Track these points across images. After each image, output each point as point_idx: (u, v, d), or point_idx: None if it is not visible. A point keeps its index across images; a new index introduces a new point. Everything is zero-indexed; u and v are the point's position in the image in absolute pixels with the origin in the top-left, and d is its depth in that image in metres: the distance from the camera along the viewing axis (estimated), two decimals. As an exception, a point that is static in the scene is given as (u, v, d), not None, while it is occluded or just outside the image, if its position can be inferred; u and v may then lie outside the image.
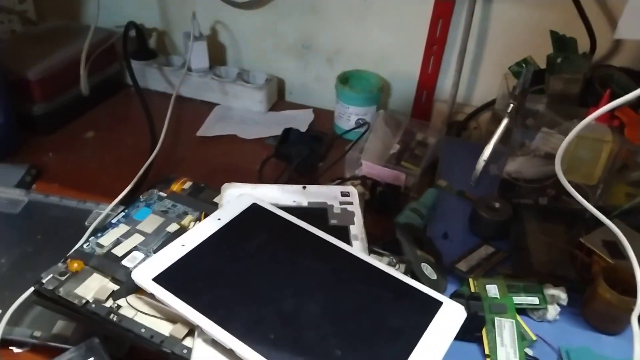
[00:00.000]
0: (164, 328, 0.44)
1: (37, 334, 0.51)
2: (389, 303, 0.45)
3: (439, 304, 0.45)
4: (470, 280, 0.59)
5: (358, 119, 0.85)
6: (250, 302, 0.44)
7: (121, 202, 0.65)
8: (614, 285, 0.55)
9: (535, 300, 0.57)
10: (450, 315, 0.44)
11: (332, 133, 0.88)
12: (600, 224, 0.55)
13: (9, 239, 0.60)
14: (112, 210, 0.63)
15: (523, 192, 0.72)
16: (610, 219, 0.66)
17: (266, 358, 0.39)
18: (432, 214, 0.70)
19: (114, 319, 0.45)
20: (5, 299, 0.52)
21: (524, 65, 0.75)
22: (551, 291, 0.58)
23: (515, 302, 0.56)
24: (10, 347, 0.51)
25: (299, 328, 0.42)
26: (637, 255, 0.56)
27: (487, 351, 0.52)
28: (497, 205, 0.67)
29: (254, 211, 0.54)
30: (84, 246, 0.51)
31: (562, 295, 0.58)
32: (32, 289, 0.48)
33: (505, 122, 0.69)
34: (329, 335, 0.42)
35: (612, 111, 0.65)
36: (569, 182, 0.68)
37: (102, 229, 0.54)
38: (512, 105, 0.68)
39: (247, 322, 0.42)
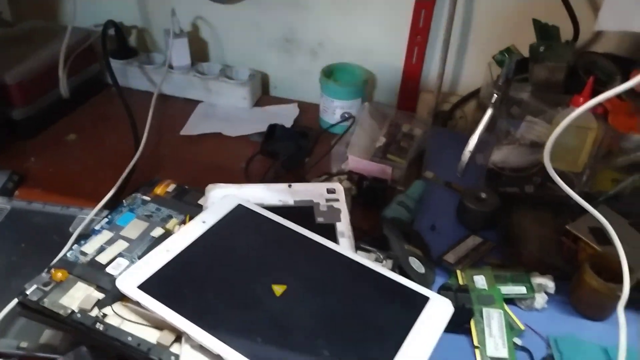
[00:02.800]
0: (151, 336, 0.44)
1: (24, 344, 0.50)
2: (376, 301, 0.45)
3: (425, 299, 0.45)
4: (458, 272, 0.59)
5: (343, 113, 0.85)
6: (237, 306, 0.44)
7: (105, 206, 0.64)
8: (600, 272, 0.55)
9: (522, 289, 0.57)
10: (438, 310, 0.44)
11: (318, 127, 0.87)
12: (586, 210, 0.55)
13: (-8, 249, 0.59)
14: (96, 215, 0.62)
15: (509, 181, 0.72)
16: (597, 205, 0.66)
17: (254, 362, 0.39)
18: (420, 206, 0.70)
19: (100, 328, 0.44)
20: (-10, 310, 0.51)
21: (506, 54, 0.75)
22: (538, 280, 0.58)
23: (503, 293, 0.57)
24: (-3, 360, 0.50)
25: (287, 330, 0.42)
26: (623, 240, 0.56)
27: (475, 342, 0.53)
28: (483, 196, 0.67)
29: (239, 212, 0.54)
30: (68, 255, 0.51)
31: (550, 284, 0.58)
32: (16, 300, 0.47)
33: (489, 112, 0.68)
34: (317, 336, 0.42)
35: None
36: (555, 169, 0.68)
37: (86, 236, 0.53)
38: (496, 95, 0.67)
39: (234, 326, 0.42)
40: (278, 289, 0.46)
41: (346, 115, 0.84)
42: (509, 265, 0.61)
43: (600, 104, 0.66)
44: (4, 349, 0.50)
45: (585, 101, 0.66)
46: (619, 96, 0.67)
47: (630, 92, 0.65)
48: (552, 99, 0.70)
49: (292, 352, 0.41)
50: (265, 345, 0.41)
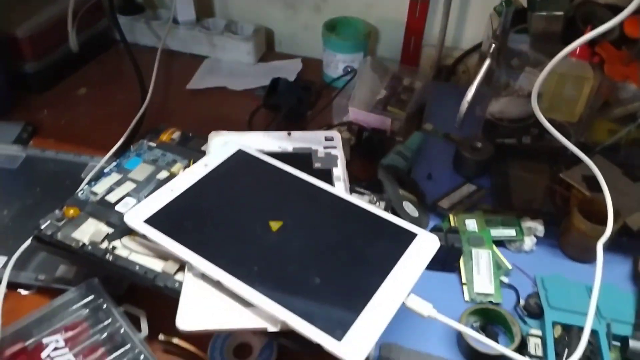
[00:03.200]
0: (157, 265, 0.47)
1: (41, 277, 0.54)
2: (366, 236, 0.48)
3: (413, 235, 0.48)
4: (451, 216, 0.61)
5: (346, 67, 0.86)
6: (236, 239, 0.47)
7: (114, 155, 0.67)
8: (589, 217, 0.57)
9: (512, 232, 0.59)
10: (424, 245, 0.47)
11: (321, 82, 0.89)
12: (581, 160, 0.57)
13: (9, 193, 0.63)
14: (106, 162, 0.66)
15: (506, 132, 0.73)
16: (592, 156, 0.68)
17: (250, 286, 0.42)
18: (417, 157, 0.72)
19: (110, 258, 0.48)
20: (9, 247, 0.55)
21: (505, 4, 0.75)
22: (528, 224, 0.60)
23: (492, 235, 0.59)
24: (18, 290, 0.54)
25: (281, 261, 0.45)
26: (614, 188, 0.58)
27: (464, 280, 0.56)
28: (479, 145, 0.69)
29: (240, 157, 0.56)
30: (79, 194, 0.54)
31: (539, 227, 0.60)
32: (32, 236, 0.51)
33: (487, 62, 0.69)
34: (309, 267, 0.45)
35: (592, 48, 0.66)
36: (550, 120, 0.69)
37: (96, 178, 0.56)
38: (493, 45, 0.68)
39: (232, 256, 0.45)
40: (274, 225, 0.48)
41: (348, 69, 0.86)
42: (500, 211, 0.63)
43: (597, 54, 0.67)
44: (24, 281, 0.54)
45: (582, 51, 0.66)
46: (616, 45, 0.68)
47: (627, 40, 0.66)
48: (551, 50, 0.70)
49: (285, 279, 0.44)
50: (261, 273, 0.44)
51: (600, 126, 0.72)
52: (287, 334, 0.42)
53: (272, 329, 0.41)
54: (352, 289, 0.43)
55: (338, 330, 0.40)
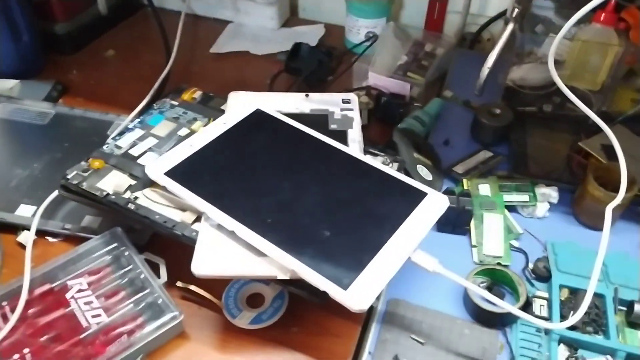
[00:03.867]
0: (176, 215, 0.49)
1: (68, 226, 0.57)
2: (377, 194, 0.49)
3: (423, 194, 0.48)
4: (465, 181, 0.62)
5: (368, 32, 0.86)
6: (251, 193, 0.49)
7: (139, 114, 0.69)
8: (605, 185, 0.57)
9: (525, 197, 0.60)
10: (434, 204, 0.48)
11: (343, 47, 0.89)
12: (602, 130, 0.56)
13: (39, 147, 0.66)
14: (131, 120, 0.68)
15: (528, 100, 0.73)
16: (614, 125, 0.67)
17: (262, 237, 0.44)
18: (436, 123, 0.72)
19: (132, 207, 0.50)
20: (39, 197, 0.58)
21: (531, -32, 0.73)
22: (542, 190, 0.60)
23: (505, 200, 0.60)
24: (46, 237, 0.57)
25: (294, 214, 0.47)
26: (634, 158, 0.57)
27: (474, 242, 0.56)
28: (498, 111, 0.69)
29: (258, 116, 0.58)
30: (104, 147, 0.56)
31: (553, 194, 0.60)
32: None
33: (510, 27, 0.68)
34: (320, 221, 0.46)
35: (618, 13, 0.65)
36: (572, 88, 0.68)
37: (120, 133, 0.59)
38: (516, 9, 0.67)
39: (247, 209, 0.47)
40: (288, 181, 0.50)
41: (370, 35, 0.85)
42: (516, 178, 0.63)
43: (623, 19, 0.65)
44: (51, 228, 0.57)
45: (607, 17, 0.65)
46: (644, 11, 0.66)
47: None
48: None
49: (296, 231, 0.45)
50: (273, 224, 0.46)
51: (624, 95, 0.71)
52: (297, 283, 0.44)
53: (282, 276, 0.43)
54: (360, 243, 0.45)
55: (345, 279, 0.41)
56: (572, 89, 0.68)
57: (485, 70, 0.72)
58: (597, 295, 0.50)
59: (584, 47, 0.66)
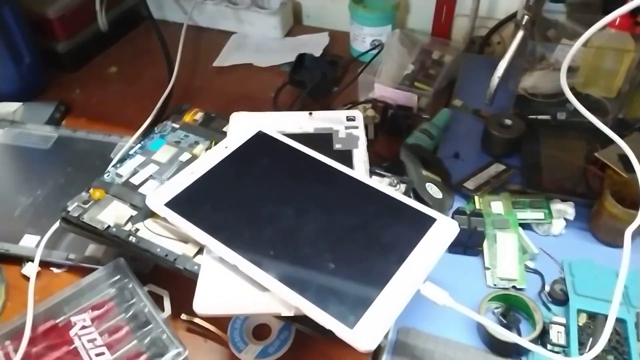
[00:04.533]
0: (177, 247, 0.48)
1: (72, 256, 0.56)
2: (384, 221, 0.47)
3: (432, 220, 0.47)
4: (476, 198, 0.60)
5: (373, 40, 0.84)
6: (253, 222, 0.47)
7: (143, 135, 0.68)
8: (623, 200, 0.55)
9: (540, 215, 0.57)
10: (443, 231, 0.46)
11: (348, 56, 0.87)
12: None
13: (42, 173, 0.65)
14: (134, 142, 0.67)
15: (540, 108, 0.70)
16: (631, 133, 0.64)
17: (265, 272, 0.43)
18: (444, 135, 0.70)
19: (133, 240, 0.49)
20: (43, 225, 0.57)
21: (541, -29, 0.70)
22: (558, 206, 0.58)
23: (519, 218, 0.57)
24: (50, 268, 0.57)
25: (297, 245, 0.45)
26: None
27: (487, 264, 0.54)
28: (508, 122, 0.66)
29: (260, 139, 0.56)
30: (105, 176, 0.55)
31: (569, 210, 0.58)
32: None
33: (520, 34, 0.66)
34: (324, 251, 0.45)
35: (634, 18, 0.62)
36: (587, 95, 0.66)
37: (121, 160, 0.58)
38: (526, 16, 0.64)
39: (249, 240, 0.46)
40: (291, 208, 0.48)
41: (376, 43, 0.83)
42: (530, 192, 0.61)
43: (639, 24, 0.62)
44: (55, 259, 0.56)
45: (622, 22, 0.62)
46: (661, 15, 0.63)
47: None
48: (589, 20, 0.66)
49: (300, 264, 0.44)
50: (276, 257, 0.44)
51: (641, 101, 0.68)
52: (301, 319, 0.42)
53: (286, 313, 0.42)
54: (367, 276, 0.43)
55: (350, 317, 0.40)
56: (587, 97, 0.66)
57: (495, 79, 0.70)
58: (617, 320, 0.48)
59: (599, 54, 0.64)
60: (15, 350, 0.46)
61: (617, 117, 0.66)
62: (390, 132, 0.71)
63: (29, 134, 0.70)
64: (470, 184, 0.62)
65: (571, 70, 0.67)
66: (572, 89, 0.69)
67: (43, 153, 0.68)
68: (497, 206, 0.59)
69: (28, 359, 0.46)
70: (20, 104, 0.75)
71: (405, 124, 0.69)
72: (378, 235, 0.46)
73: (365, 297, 0.41)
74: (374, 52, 0.82)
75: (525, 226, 0.58)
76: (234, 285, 0.44)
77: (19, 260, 0.57)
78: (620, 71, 0.63)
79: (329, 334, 0.41)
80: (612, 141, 0.62)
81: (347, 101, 0.75)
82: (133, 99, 0.80)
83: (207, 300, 0.42)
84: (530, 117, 0.69)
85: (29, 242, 0.58)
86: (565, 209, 0.58)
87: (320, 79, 0.76)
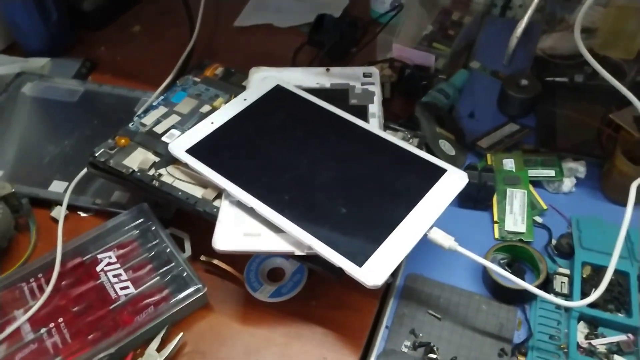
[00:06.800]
0: (197, 192, 0.51)
1: (98, 201, 0.59)
2: (395, 171, 0.49)
3: (442, 170, 0.48)
4: (488, 156, 0.61)
5: (393, 1, 0.84)
6: (270, 170, 0.50)
7: (165, 89, 0.70)
8: (635, 160, 0.55)
9: (551, 172, 0.58)
10: (453, 181, 0.48)
11: (368, 17, 0.87)
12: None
13: (69, 124, 0.68)
14: (156, 98, 0.69)
15: (558, 70, 0.70)
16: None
17: (280, 214, 0.45)
18: (461, 95, 0.70)
19: (156, 184, 0.52)
20: (70, 173, 0.60)
21: None
22: (570, 165, 0.59)
23: (530, 175, 0.58)
24: (78, 212, 0.60)
25: (311, 191, 0.47)
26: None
27: (495, 218, 0.56)
28: (525, 82, 0.66)
29: (278, 92, 0.58)
30: (130, 125, 0.58)
31: (581, 169, 0.59)
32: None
33: (540, -5, 0.65)
34: (337, 197, 0.47)
35: (657, -23, 0.61)
36: (605, 57, 0.65)
37: (145, 111, 0.60)
38: (547, -25, 0.64)
39: (266, 186, 0.48)
40: (306, 157, 0.50)
41: (396, 4, 0.83)
42: (542, 152, 0.61)
43: (661, -17, 0.61)
44: (82, 204, 0.59)
45: (645, -20, 0.61)
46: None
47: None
48: (611, -20, 0.66)
49: (313, 208, 0.46)
50: (291, 201, 0.46)
51: (662, 64, 0.67)
52: (314, 259, 0.45)
53: (298, 252, 0.44)
54: (377, 220, 0.45)
55: (360, 256, 0.42)
56: (605, 59, 0.65)
57: (514, 40, 0.70)
58: (621, 273, 0.49)
59: (620, 14, 0.63)
60: (47, 283, 0.49)
61: (635, 79, 0.66)
62: (406, 91, 0.71)
63: (56, 88, 0.73)
64: (483, 143, 0.63)
65: (590, 31, 0.66)
66: (590, 50, 0.69)
67: (70, 106, 0.71)
68: (509, 163, 0.60)
69: (58, 291, 0.49)
70: (48, 59, 0.78)
71: (422, 84, 0.70)
72: (389, 184, 0.48)
73: (374, 239, 0.43)
74: (394, 12, 0.82)
75: (536, 183, 0.59)
76: (250, 225, 0.46)
77: (48, 204, 0.60)
78: (640, 32, 0.63)
79: (338, 273, 0.43)
80: (628, 103, 0.63)
81: (364, 61, 0.76)
82: (156, 57, 0.82)
83: (224, 238, 0.45)
84: (548, 79, 0.69)
85: (57, 187, 0.61)
86: (576, 168, 0.59)
87: (339, 39, 0.77)
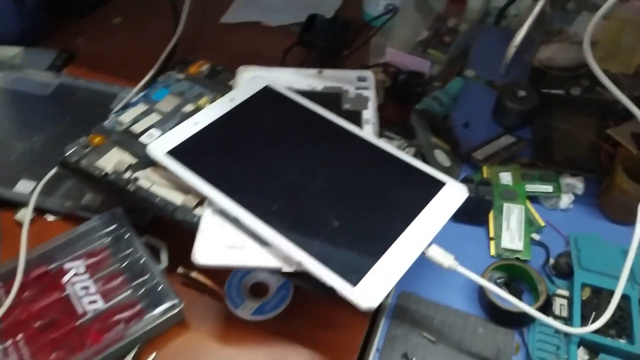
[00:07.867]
0: (177, 198, 0.47)
1: (68, 204, 0.55)
2: (391, 182, 0.46)
3: (441, 183, 0.45)
4: (484, 168, 0.59)
5: (387, 4, 0.81)
6: (257, 176, 0.46)
7: (145, 86, 0.66)
8: (634, 177, 0.53)
9: (549, 188, 0.56)
10: (452, 195, 0.45)
11: (361, 20, 0.84)
12: (632, 116, 0.53)
13: (40, 119, 0.63)
14: (135, 94, 0.65)
15: (555, 82, 0.68)
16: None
17: (268, 225, 0.42)
18: (456, 104, 0.68)
19: (131, 189, 0.48)
20: (39, 172, 0.56)
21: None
22: (567, 180, 0.57)
23: (527, 190, 0.56)
24: (45, 216, 0.55)
25: (301, 201, 0.44)
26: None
27: (491, 234, 0.53)
28: (522, 93, 0.64)
29: (267, 93, 0.55)
30: (105, 123, 0.54)
31: (579, 185, 0.57)
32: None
33: (539, 4, 0.63)
34: (329, 209, 0.43)
35: (661, -10, 0.60)
36: (605, 71, 0.64)
37: (123, 108, 0.56)
38: (548, -15, 0.62)
39: (252, 194, 0.44)
40: (296, 164, 0.47)
41: (390, 7, 0.81)
42: (540, 165, 0.59)
43: (665, -3, 0.60)
44: (50, 206, 0.55)
45: (649, -7, 0.60)
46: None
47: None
48: (612, -8, 0.64)
49: (304, 220, 0.43)
50: (279, 212, 0.43)
51: (660, 79, 0.66)
52: (303, 275, 0.41)
53: (286, 269, 0.41)
54: (372, 235, 0.42)
55: (353, 275, 0.39)
56: (604, 72, 0.64)
57: (512, 49, 0.68)
58: (622, 296, 0.47)
59: (620, 27, 0.61)
60: (7, 294, 0.45)
61: (633, 95, 0.65)
62: (400, 97, 0.69)
63: (28, 80, 0.68)
64: (479, 154, 0.61)
65: (592, 43, 0.64)
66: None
67: (42, 99, 0.66)
68: (506, 177, 0.57)
69: (19, 304, 0.45)
70: (21, 48, 0.73)
71: (416, 91, 0.67)
72: (385, 196, 0.45)
73: (369, 256, 0.40)
74: (387, 16, 0.80)
75: (533, 199, 0.57)
76: (234, 237, 0.42)
77: (13, 206, 0.56)
78: (641, 46, 0.61)
79: (330, 292, 0.40)
80: (625, 119, 0.61)
81: (357, 64, 0.73)
82: (137, 51, 0.78)
83: (206, 251, 0.41)
84: (544, 90, 0.67)
85: (24, 187, 0.56)
86: (574, 184, 0.57)
87: (331, 40, 0.74)
